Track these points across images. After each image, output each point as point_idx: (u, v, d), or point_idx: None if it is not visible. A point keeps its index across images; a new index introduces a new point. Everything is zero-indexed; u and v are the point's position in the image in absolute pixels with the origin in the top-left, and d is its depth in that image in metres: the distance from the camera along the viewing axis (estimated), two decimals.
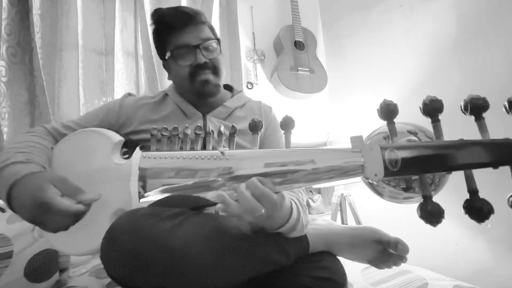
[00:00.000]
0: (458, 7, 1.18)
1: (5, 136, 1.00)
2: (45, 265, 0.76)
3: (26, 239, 0.75)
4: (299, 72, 1.59)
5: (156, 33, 0.72)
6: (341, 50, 1.76)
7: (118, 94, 1.21)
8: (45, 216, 0.44)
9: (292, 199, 0.53)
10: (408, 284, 0.81)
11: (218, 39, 0.71)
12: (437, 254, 1.21)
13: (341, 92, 1.75)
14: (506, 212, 1.01)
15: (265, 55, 1.67)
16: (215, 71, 0.69)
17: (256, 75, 1.64)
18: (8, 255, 0.72)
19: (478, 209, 0.32)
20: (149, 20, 0.72)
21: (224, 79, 0.75)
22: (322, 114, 1.79)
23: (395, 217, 1.37)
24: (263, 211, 0.40)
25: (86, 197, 0.47)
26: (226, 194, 0.41)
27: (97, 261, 0.95)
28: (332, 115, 1.79)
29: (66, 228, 0.46)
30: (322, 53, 1.86)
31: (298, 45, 1.64)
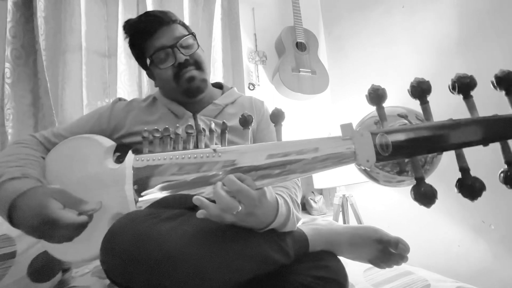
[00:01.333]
0: (459, 7, 1.17)
1: (9, 138, 1.02)
2: (48, 265, 0.77)
3: (29, 239, 0.76)
4: (300, 73, 1.59)
5: (132, 44, 0.72)
6: (342, 51, 1.76)
7: (121, 95, 1.22)
8: (51, 231, 0.45)
9: (281, 195, 0.53)
10: (410, 285, 0.80)
11: (193, 34, 0.71)
12: (439, 255, 1.20)
13: (342, 93, 1.75)
14: (509, 213, 1.00)
15: (267, 56, 1.68)
16: (198, 66, 0.69)
17: (258, 76, 1.64)
18: (12, 255, 0.72)
19: (469, 186, 0.32)
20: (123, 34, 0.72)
21: (223, 78, 0.74)
22: (324, 115, 1.78)
23: (397, 218, 1.37)
24: (240, 208, 0.40)
25: (88, 207, 0.47)
26: (203, 198, 0.41)
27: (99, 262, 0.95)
28: (333, 116, 1.79)
29: (71, 239, 0.47)
30: (324, 54, 1.86)
31: (299, 46, 1.64)
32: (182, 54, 0.66)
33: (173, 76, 0.67)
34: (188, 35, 0.69)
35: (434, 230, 1.20)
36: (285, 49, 1.61)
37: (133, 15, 1.33)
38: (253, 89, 1.61)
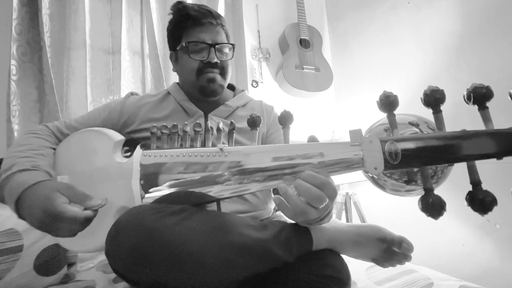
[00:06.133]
0: (465, 4, 1.16)
1: (15, 134, 1.03)
2: (53, 259, 0.78)
3: (36, 233, 0.77)
4: (304, 70, 1.58)
5: (173, 23, 0.73)
6: (347, 48, 1.75)
7: (125, 92, 1.23)
8: (56, 225, 0.45)
9: None
10: (413, 284, 0.80)
11: (233, 45, 0.74)
12: (443, 254, 1.19)
13: (346, 90, 1.74)
14: None
15: (270, 53, 1.67)
16: (223, 72, 0.72)
17: (261, 73, 1.64)
18: (19, 249, 0.74)
19: (480, 200, 0.31)
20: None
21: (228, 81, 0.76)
22: (328, 112, 1.78)
23: (401, 216, 1.36)
24: (327, 200, 0.40)
25: (94, 203, 0.48)
26: (287, 186, 0.40)
27: (104, 256, 0.96)
28: (337, 113, 1.78)
29: (75, 234, 0.48)
30: (328, 51, 1.85)
31: (303, 43, 1.63)
32: (216, 56, 0.69)
33: (197, 70, 0.70)
34: (229, 44, 0.73)
35: (438, 229, 1.19)
36: (288, 46, 1.60)
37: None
38: (256, 86, 1.61)
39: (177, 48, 0.72)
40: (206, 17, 0.69)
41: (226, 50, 0.72)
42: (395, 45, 1.44)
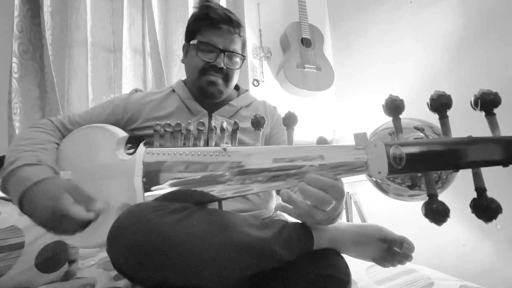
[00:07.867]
0: (467, 4, 1.15)
1: (17, 131, 1.03)
2: (55, 256, 0.78)
3: (37, 230, 0.77)
4: (305, 69, 1.58)
5: (194, 18, 0.74)
6: (348, 47, 1.74)
7: (126, 90, 1.23)
8: (59, 223, 0.46)
9: None
10: (414, 283, 0.80)
11: (244, 56, 0.74)
12: (444, 254, 1.19)
13: (348, 90, 1.74)
14: None
15: (272, 52, 1.67)
16: (226, 79, 0.72)
17: (262, 72, 1.63)
18: (20, 246, 0.74)
19: (485, 208, 0.31)
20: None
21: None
22: (329, 112, 1.77)
23: (402, 216, 1.36)
24: (334, 202, 0.40)
25: (97, 207, 0.48)
26: (291, 193, 0.40)
27: (105, 254, 0.96)
28: (338, 113, 1.78)
29: (73, 233, 0.48)
30: (329, 51, 1.84)
31: (305, 42, 1.63)
32: (223, 62, 0.69)
33: (201, 69, 0.70)
34: (240, 54, 0.73)
35: (439, 229, 1.18)
36: (290, 45, 1.60)
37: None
38: (257, 85, 1.61)
39: (190, 43, 0.73)
40: (225, 22, 0.69)
41: (236, 59, 0.72)
42: (396, 44, 1.43)
